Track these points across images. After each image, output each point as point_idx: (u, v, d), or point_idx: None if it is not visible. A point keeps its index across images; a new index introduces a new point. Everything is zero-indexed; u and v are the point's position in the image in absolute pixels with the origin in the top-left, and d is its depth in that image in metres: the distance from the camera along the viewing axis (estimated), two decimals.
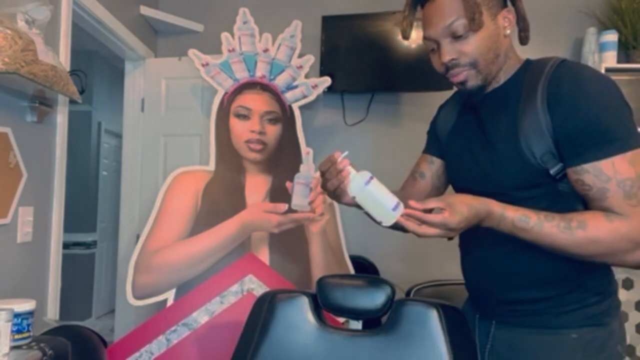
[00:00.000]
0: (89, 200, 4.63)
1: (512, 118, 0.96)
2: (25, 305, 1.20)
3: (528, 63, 1.04)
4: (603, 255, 0.87)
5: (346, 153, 0.95)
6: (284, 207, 2.06)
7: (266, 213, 2.08)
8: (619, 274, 2.46)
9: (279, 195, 2.13)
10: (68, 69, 1.76)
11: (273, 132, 2.23)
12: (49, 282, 1.74)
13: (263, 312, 1.09)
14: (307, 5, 2.64)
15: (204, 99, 2.55)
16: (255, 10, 2.37)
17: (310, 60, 2.29)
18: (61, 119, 1.80)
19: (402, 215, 0.89)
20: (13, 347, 1.14)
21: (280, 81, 2.28)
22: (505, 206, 0.90)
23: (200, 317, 1.90)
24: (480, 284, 1.08)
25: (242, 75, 2.29)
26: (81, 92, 1.64)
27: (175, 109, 2.61)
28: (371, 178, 0.92)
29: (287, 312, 1.08)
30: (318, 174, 2.29)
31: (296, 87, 2.29)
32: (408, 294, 1.90)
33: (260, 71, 2.28)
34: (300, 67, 2.28)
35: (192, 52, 2.32)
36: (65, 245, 1.96)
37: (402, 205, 0.91)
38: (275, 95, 2.27)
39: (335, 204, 2.20)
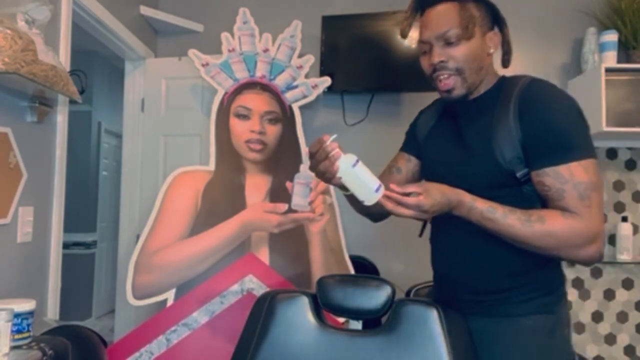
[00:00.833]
0: (89, 200, 4.63)
1: (487, 126, 1.08)
2: (25, 305, 1.20)
3: (503, 79, 1.15)
4: (557, 248, 0.98)
5: (335, 136, 1.02)
6: (284, 207, 2.06)
7: (266, 213, 2.08)
8: (619, 274, 2.46)
9: (279, 195, 2.13)
10: (68, 69, 1.76)
11: (273, 132, 2.23)
12: (49, 282, 1.74)
13: (263, 312, 1.09)
14: (307, 5, 2.64)
15: (204, 99, 2.55)
16: (255, 10, 2.37)
17: (310, 60, 2.29)
18: (61, 119, 1.80)
19: (382, 197, 0.98)
20: (13, 347, 1.14)
21: (280, 81, 2.28)
22: (475, 198, 1.00)
23: (200, 317, 1.90)
24: (449, 276, 1.17)
25: (242, 75, 2.29)
26: (81, 92, 1.64)
27: (175, 109, 2.61)
28: (357, 161, 1.01)
29: (287, 312, 1.08)
30: None
31: (296, 87, 2.29)
32: (408, 294, 1.90)
33: (260, 71, 2.28)
34: (300, 67, 2.28)
35: (192, 52, 2.32)
36: (65, 245, 1.96)
37: (383, 187, 1.00)
38: (275, 95, 2.27)
39: (336, 204, 2.20)
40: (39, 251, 1.69)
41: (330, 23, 2.51)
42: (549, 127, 1.00)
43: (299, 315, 1.08)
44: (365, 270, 2.30)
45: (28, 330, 1.20)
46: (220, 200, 2.16)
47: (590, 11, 2.51)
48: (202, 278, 2.01)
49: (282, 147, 2.24)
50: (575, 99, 1.05)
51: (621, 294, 2.46)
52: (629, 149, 2.49)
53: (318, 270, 2.07)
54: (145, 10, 2.57)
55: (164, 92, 2.62)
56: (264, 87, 2.27)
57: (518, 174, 1.03)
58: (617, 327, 2.45)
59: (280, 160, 2.23)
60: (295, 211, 2.06)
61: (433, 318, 1.00)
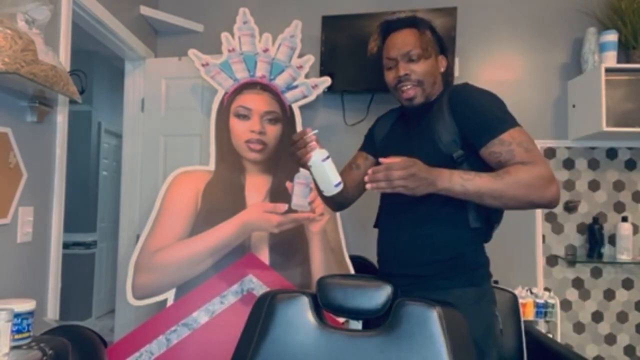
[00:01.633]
0: (89, 200, 4.63)
1: (429, 123, 1.32)
2: (25, 305, 1.20)
3: (444, 89, 1.39)
4: (528, 193, 1.14)
5: (316, 131, 1.23)
6: (284, 207, 2.06)
7: (266, 213, 2.08)
8: (619, 274, 2.46)
9: (279, 195, 2.13)
10: (68, 69, 1.76)
11: (273, 132, 2.24)
12: (49, 282, 1.74)
13: (263, 312, 1.09)
14: (307, 5, 2.65)
15: (204, 99, 2.55)
16: (255, 10, 2.37)
17: (310, 60, 2.29)
18: (61, 119, 1.80)
19: (371, 171, 1.14)
20: (13, 347, 1.14)
21: (280, 81, 2.28)
22: (451, 169, 1.19)
23: (200, 317, 1.90)
24: (393, 256, 1.36)
25: (242, 75, 2.29)
26: (81, 92, 1.64)
27: (175, 109, 2.61)
28: (327, 157, 1.20)
29: (287, 312, 1.08)
30: None
31: (296, 87, 2.29)
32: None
33: (260, 71, 2.28)
34: (300, 67, 2.28)
35: (192, 52, 2.32)
36: (65, 245, 1.96)
37: (342, 185, 1.22)
38: (275, 95, 2.27)
39: None
40: (39, 251, 1.69)
41: (330, 23, 2.51)
42: (481, 112, 1.23)
43: (299, 315, 1.08)
44: (365, 270, 2.30)
45: (28, 330, 1.20)
46: (220, 200, 2.16)
47: (590, 11, 2.51)
48: (202, 278, 2.01)
49: (282, 147, 2.24)
50: (492, 92, 1.29)
51: (621, 294, 2.46)
52: (629, 149, 2.49)
53: (318, 270, 2.07)
54: (145, 10, 2.57)
55: (164, 92, 2.62)
56: (264, 87, 2.27)
57: (454, 155, 1.25)
58: (617, 327, 2.45)
59: (280, 160, 2.23)
60: (295, 211, 2.05)
61: (433, 318, 1.00)
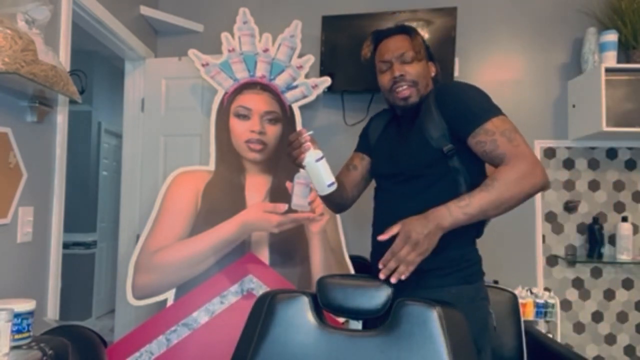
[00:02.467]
0: (89, 200, 4.63)
1: (420, 122, 1.35)
2: (25, 305, 1.20)
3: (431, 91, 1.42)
4: (522, 188, 1.15)
5: (311, 132, 1.26)
6: (284, 207, 2.06)
7: (266, 213, 2.08)
8: (619, 274, 2.46)
9: (279, 195, 2.13)
10: (68, 69, 1.76)
11: (273, 132, 2.24)
12: (49, 282, 1.74)
13: (263, 312, 1.09)
14: (307, 5, 2.65)
15: (204, 99, 2.55)
16: (255, 10, 2.37)
17: (310, 60, 2.29)
18: (61, 119, 1.80)
19: (382, 272, 1.14)
20: (13, 347, 1.14)
21: (280, 81, 2.28)
22: (444, 204, 1.18)
23: (200, 317, 1.90)
24: (385, 249, 1.32)
25: (242, 75, 2.29)
26: (81, 92, 1.64)
27: (175, 109, 2.61)
28: (321, 157, 1.23)
29: (287, 312, 1.08)
30: None
31: (296, 87, 2.29)
32: None
33: (260, 71, 2.28)
34: (300, 67, 2.28)
35: (192, 52, 2.32)
36: (65, 245, 1.96)
37: (336, 184, 1.25)
38: (275, 95, 2.27)
39: None
40: (39, 251, 1.69)
41: (330, 23, 2.51)
42: (465, 102, 1.26)
43: (299, 315, 1.08)
44: (365, 270, 2.30)
45: (28, 330, 1.20)
46: (220, 200, 2.16)
47: (590, 11, 2.51)
48: (202, 278, 2.01)
49: (282, 147, 2.24)
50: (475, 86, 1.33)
51: (621, 294, 2.46)
52: (629, 149, 2.49)
53: (318, 270, 2.07)
54: (145, 10, 2.57)
55: (164, 92, 2.62)
56: (264, 87, 2.27)
57: (444, 149, 1.27)
58: (617, 327, 2.45)
59: (280, 160, 2.23)
60: (295, 211, 2.05)
61: (433, 318, 1.00)
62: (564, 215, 2.51)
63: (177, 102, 2.60)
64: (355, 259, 2.20)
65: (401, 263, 1.12)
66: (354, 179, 1.55)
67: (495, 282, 2.22)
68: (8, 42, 1.24)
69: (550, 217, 2.51)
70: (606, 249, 2.44)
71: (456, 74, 2.48)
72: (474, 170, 1.29)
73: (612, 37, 2.34)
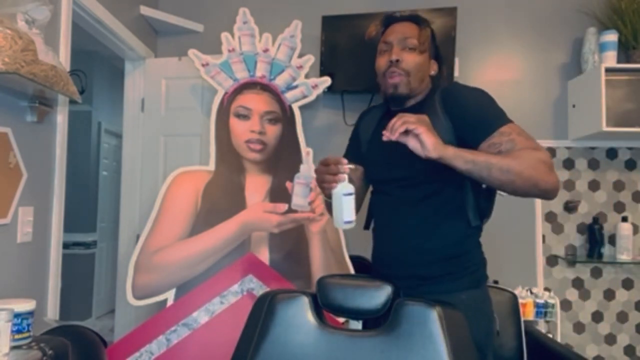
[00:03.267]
0: (89, 200, 4.63)
1: None
2: (25, 305, 1.20)
3: (432, 91, 1.37)
4: (534, 173, 1.11)
5: (352, 166, 1.21)
6: (284, 207, 2.06)
7: (266, 213, 2.08)
8: (619, 274, 2.46)
9: (279, 195, 2.13)
10: (68, 69, 1.76)
11: (273, 132, 2.24)
12: (49, 282, 1.74)
13: (263, 312, 1.09)
14: (307, 5, 2.65)
15: (204, 99, 2.55)
16: (255, 10, 2.37)
17: (310, 60, 2.29)
18: (61, 119, 1.80)
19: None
20: (13, 347, 1.14)
21: (280, 81, 2.28)
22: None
23: (200, 317, 1.90)
24: (392, 263, 1.34)
25: (242, 75, 2.29)
26: (81, 92, 1.64)
27: (175, 109, 2.61)
28: (350, 194, 1.20)
29: (287, 312, 1.08)
30: None
31: (296, 87, 2.29)
32: None
33: (260, 71, 2.28)
34: (300, 67, 2.28)
35: (192, 52, 2.31)
36: (65, 245, 1.96)
37: (354, 223, 1.22)
38: (275, 95, 2.27)
39: None
40: (39, 251, 1.69)
41: (330, 23, 2.51)
42: (478, 109, 1.24)
43: (299, 315, 1.08)
44: (365, 270, 2.30)
45: (28, 330, 1.20)
46: (220, 200, 2.16)
47: (590, 11, 2.51)
48: (202, 278, 2.01)
49: (282, 147, 2.24)
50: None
51: (621, 294, 2.46)
52: (629, 149, 2.49)
53: (318, 270, 2.07)
54: (145, 10, 2.57)
55: (164, 92, 2.62)
56: (264, 87, 2.27)
57: None
58: (617, 327, 2.45)
59: (280, 160, 2.23)
60: (295, 211, 2.06)
61: (433, 318, 1.00)
62: (564, 215, 2.51)
63: (177, 102, 2.60)
64: (355, 259, 2.20)
65: (403, 122, 1.11)
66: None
67: (495, 282, 2.22)
68: (8, 42, 1.24)
69: (550, 217, 2.51)
70: (606, 249, 2.44)
71: (456, 74, 2.48)
72: None
73: (612, 37, 2.34)
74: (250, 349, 1.06)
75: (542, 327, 2.27)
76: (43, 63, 1.36)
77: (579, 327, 2.46)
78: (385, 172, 1.37)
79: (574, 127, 2.48)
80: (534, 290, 2.31)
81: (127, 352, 1.82)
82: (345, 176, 1.19)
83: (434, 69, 1.39)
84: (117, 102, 3.81)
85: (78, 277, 4.36)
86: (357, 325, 1.10)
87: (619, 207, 2.48)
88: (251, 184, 2.21)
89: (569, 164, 2.51)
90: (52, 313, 1.75)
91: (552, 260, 2.50)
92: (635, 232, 2.44)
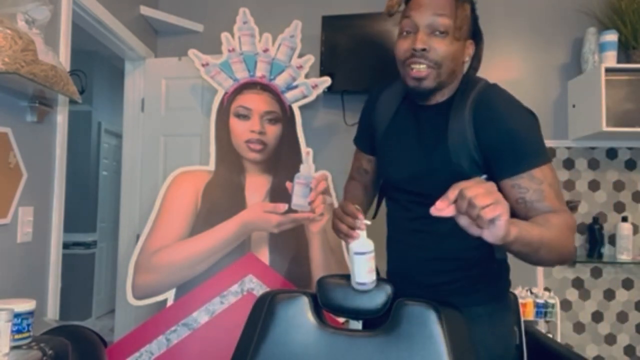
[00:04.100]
0: (89, 200, 4.63)
1: (445, 130, 1.08)
2: (25, 305, 1.20)
3: (463, 83, 1.12)
4: (570, 240, 0.95)
5: (369, 223, 1.05)
6: (284, 207, 2.06)
7: (266, 213, 2.08)
8: (619, 274, 2.46)
9: (279, 195, 2.13)
10: (68, 69, 1.76)
11: (273, 132, 2.24)
12: (49, 282, 1.74)
13: (263, 312, 1.09)
14: (307, 5, 2.64)
15: (204, 99, 2.55)
16: (255, 10, 2.37)
17: (310, 60, 2.29)
18: (61, 119, 1.80)
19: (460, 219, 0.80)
20: (13, 347, 1.14)
21: (280, 81, 2.28)
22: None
23: (200, 317, 1.90)
24: (405, 274, 1.19)
25: (242, 75, 2.29)
26: (81, 92, 1.64)
27: (175, 109, 2.61)
28: (363, 253, 1.03)
29: (287, 312, 1.08)
30: (318, 174, 2.29)
31: (296, 87, 2.29)
32: None
33: (260, 71, 2.28)
34: (300, 67, 2.28)
35: (192, 52, 2.31)
36: (65, 245, 1.96)
37: (366, 287, 1.04)
38: (275, 95, 2.27)
39: (336, 204, 2.20)
40: (39, 251, 1.69)
41: (330, 23, 2.51)
42: (515, 137, 1.01)
43: (299, 315, 1.08)
44: None
45: (28, 330, 1.20)
46: (220, 200, 2.16)
47: (590, 11, 2.51)
48: (202, 278, 2.01)
49: (282, 147, 2.24)
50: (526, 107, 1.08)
51: (621, 294, 2.46)
52: (629, 149, 2.49)
53: (318, 270, 2.07)
54: (145, 10, 2.57)
55: (164, 92, 2.62)
56: (264, 87, 2.27)
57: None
58: (617, 327, 2.45)
59: (280, 160, 2.23)
60: (295, 211, 2.06)
61: (433, 318, 1.00)
62: None
63: (177, 102, 2.60)
64: None
65: (468, 204, 0.74)
66: (369, 182, 1.35)
67: None
68: (8, 42, 1.24)
69: None
70: (606, 249, 2.44)
71: None
72: None
73: (612, 37, 2.34)
74: (250, 349, 1.06)
75: (542, 327, 2.27)
76: (43, 63, 1.36)
77: (579, 327, 2.46)
78: (400, 179, 1.17)
79: (574, 127, 2.48)
80: (534, 290, 2.30)
81: (127, 352, 1.82)
82: (360, 232, 1.04)
83: (469, 53, 1.11)
84: (117, 102, 3.81)
85: (78, 277, 4.36)
86: (357, 325, 1.10)
87: (619, 207, 2.48)
88: (251, 184, 2.21)
89: (569, 164, 2.51)
90: (52, 313, 1.75)
91: None
92: (635, 232, 2.44)
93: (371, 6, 2.54)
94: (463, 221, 0.77)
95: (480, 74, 1.20)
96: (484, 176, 1.05)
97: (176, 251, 2.07)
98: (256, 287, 1.94)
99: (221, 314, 1.90)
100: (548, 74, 2.56)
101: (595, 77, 2.29)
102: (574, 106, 2.48)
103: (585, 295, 2.47)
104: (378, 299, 1.05)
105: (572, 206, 2.48)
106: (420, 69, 1.04)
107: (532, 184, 0.99)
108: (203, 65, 2.30)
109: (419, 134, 1.14)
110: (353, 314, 1.08)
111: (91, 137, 4.63)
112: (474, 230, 0.76)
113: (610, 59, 2.34)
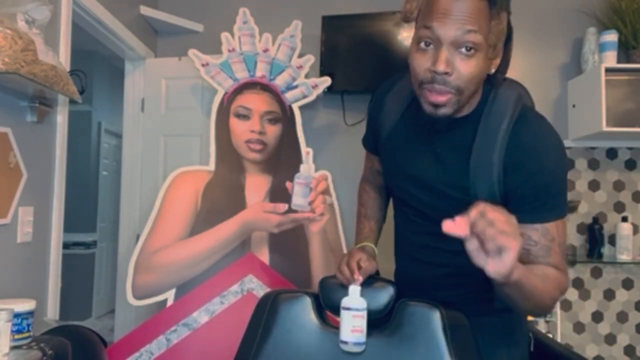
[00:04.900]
0: (89, 200, 4.63)
1: (463, 162, 0.96)
2: (25, 305, 1.20)
3: (487, 96, 0.97)
4: (552, 298, 0.91)
5: (361, 280, 1.03)
6: (284, 207, 2.06)
7: (266, 213, 2.08)
8: (619, 274, 2.46)
9: (279, 195, 2.13)
10: (68, 69, 1.76)
11: (273, 132, 2.23)
12: (49, 282, 1.74)
13: (266, 311, 1.09)
14: (307, 5, 2.64)
15: (204, 99, 2.55)
16: (255, 10, 2.37)
17: (310, 60, 2.29)
18: (61, 119, 1.80)
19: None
20: (13, 347, 1.14)
21: (280, 81, 2.28)
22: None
23: (200, 317, 1.90)
24: (416, 284, 1.12)
25: (242, 75, 2.29)
26: (81, 92, 1.63)
27: (175, 109, 2.61)
28: (349, 309, 0.99)
29: (289, 311, 1.08)
30: (318, 174, 2.29)
31: (296, 87, 2.29)
32: None
33: (260, 71, 2.28)
34: (300, 67, 2.28)
35: (192, 52, 2.31)
36: (65, 245, 1.96)
37: (349, 347, 0.99)
38: (275, 95, 2.27)
39: (335, 204, 2.20)
40: (39, 251, 1.69)
41: (330, 23, 2.51)
42: (542, 183, 0.92)
43: (302, 315, 1.08)
44: None
45: (28, 330, 1.20)
46: (220, 200, 2.16)
47: (590, 11, 2.51)
48: (202, 278, 2.01)
49: (282, 147, 2.24)
50: (560, 140, 0.98)
51: (621, 294, 2.46)
52: (629, 149, 2.49)
53: (318, 270, 2.07)
54: (145, 10, 2.57)
55: (164, 92, 2.62)
56: (264, 87, 2.27)
57: None
58: (617, 327, 2.45)
59: (280, 160, 2.23)
60: (295, 211, 2.06)
61: (435, 319, 1.00)
62: None
63: (177, 102, 2.60)
64: None
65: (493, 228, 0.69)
66: (383, 182, 1.26)
67: None
68: (8, 42, 1.24)
69: None
70: (606, 249, 2.44)
71: None
72: None
73: (612, 37, 2.34)
74: (253, 348, 1.06)
75: (542, 327, 2.27)
76: (43, 63, 1.36)
77: (579, 327, 2.46)
78: (410, 196, 1.08)
79: (574, 127, 2.48)
80: None
81: (127, 352, 1.82)
82: (353, 288, 1.02)
83: (496, 64, 0.92)
84: (117, 102, 3.80)
85: (78, 277, 4.36)
86: None
87: (619, 207, 2.48)
88: (251, 184, 2.21)
89: (568, 164, 2.51)
90: (52, 313, 1.75)
91: None
92: (635, 232, 2.44)
93: (371, 6, 2.54)
94: (472, 245, 0.72)
95: None
96: None
97: (176, 251, 2.07)
98: (256, 287, 1.94)
99: (221, 314, 1.90)
100: (548, 74, 2.56)
101: (595, 77, 2.29)
102: (574, 106, 2.48)
103: (585, 295, 2.47)
104: (380, 299, 1.05)
105: (572, 206, 2.48)
106: (438, 95, 0.87)
107: (542, 239, 0.92)
108: (203, 65, 2.30)
109: (431, 148, 1.01)
110: None
111: (91, 137, 4.63)
112: (479, 259, 0.72)
113: (610, 59, 2.34)
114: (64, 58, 1.79)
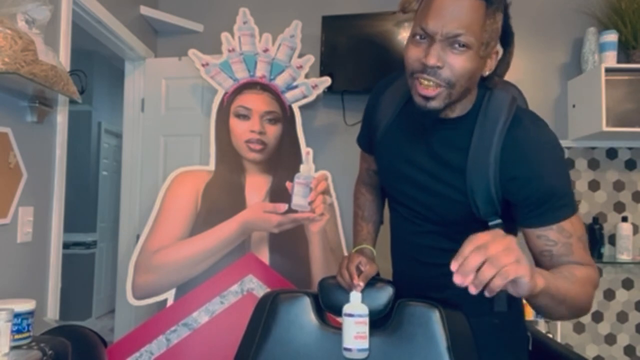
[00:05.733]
0: (89, 200, 4.63)
1: (460, 162, 0.97)
2: (25, 305, 1.20)
3: (482, 98, 0.98)
4: (587, 302, 0.89)
5: (361, 286, 1.03)
6: (284, 207, 2.06)
7: (266, 213, 2.08)
8: (619, 274, 2.46)
9: (279, 195, 2.13)
10: (68, 69, 1.76)
11: (273, 132, 2.24)
12: (49, 282, 1.74)
13: (266, 311, 1.09)
14: (307, 5, 2.64)
15: (204, 99, 2.55)
16: (255, 10, 2.37)
17: (310, 60, 2.29)
18: (61, 119, 1.80)
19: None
20: (13, 347, 1.14)
21: (280, 81, 2.28)
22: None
23: (200, 317, 1.90)
24: (412, 285, 1.12)
25: (242, 75, 2.29)
26: (81, 92, 1.63)
27: (175, 109, 2.61)
28: (351, 315, 0.99)
29: (289, 312, 1.08)
30: (318, 174, 2.29)
31: (296, 87, 2.29)
32: None
33: (260, 71, 2.28)
34: (300, 67, 2.28)
35: (192, 52, 2.31)
36: (65, 245, 1.96)
37: (353, 354, 0.98)
38: (275, 95, 2.27)
39: (336, 204, 2.20)
40: (39, 251, 1.69)
41: (330, 23, 2.51)
42: (547, 184, 0.91)
43: (301, 315, 1.08)
44: None
45: (28, 330, 1.20)
46: (220, 200, 2.16)
47: (590, 11, 2.51)
48: (202, 278, 2.01)
49: (282, 147, 2.24)
50: (556, 138, 0.97)
51: (621, 294, 2.46)
52: (629, 149, 2.49)
53: (318, 270, 2.07)
54: (145, 10, 2.57)
55: (164, 92, 2.62)
56: (264, 87, 2.27)
57: (490, 223, 0.97)
58: (617, 327, 2.45)
59: (280, 161, 2.23)
60: (295, 211, 2.06)
61: (435, 319, 1.00)
62: None
63: (177, 102, 2.60)
64: None
65: (494, 268, 0.67)
66: (378, 183, 1.28)
67: None
68: (8, 42, 1.24)
69: None
70: (606, 249, 2.44)
71: None
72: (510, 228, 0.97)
73: (612, 37, 2.34)
74: (252, 348, 1.06)
75: (542, 327, 2.27)
76: (43, 63, 1.36)
77: (579, 327, 2.46)
78: (405, 197, 1.08)
79: (574, 127, 2.48)
80: None
81: (127, 352, 1.82)
82: (354, 294, 1.02)
83: (491, 67, 0.94)
84: (117, 102, 3.81)
85: (78, 277, 4.36)
86: None
87: (619, 207, 2.48)
88: (251, 184, 2.21)
89: (569, 164, 2.51)
90: (52, 313, 1.75)
91: None
92: (635, 232, 2.44)
93: (371, 6, 2.54)
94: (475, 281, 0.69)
95: None
96: (499, 221, 0.97)
97: (176, 251, 2.07)
98: (256, 287, 1.94)
99: (221, 314, 1.90)
100: (548, 74, 2.56)
101: (595, 77, 2.29)
102: (574, 106, 2.48)
103: None
104: (380, 299, 1.05)
105: None
106: (429, 86, 0.89)
107: (560, 237, 0.92)
108: (203, 65, 2.30)
109: (427, 148, 1.02)
110: None
111: (91, 137, 4.63)
112: (488, 272, 0.68)
113: (610, 59, 2.34)
114: (64, 58, 1.79)
